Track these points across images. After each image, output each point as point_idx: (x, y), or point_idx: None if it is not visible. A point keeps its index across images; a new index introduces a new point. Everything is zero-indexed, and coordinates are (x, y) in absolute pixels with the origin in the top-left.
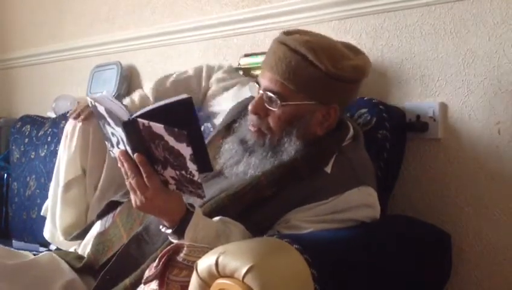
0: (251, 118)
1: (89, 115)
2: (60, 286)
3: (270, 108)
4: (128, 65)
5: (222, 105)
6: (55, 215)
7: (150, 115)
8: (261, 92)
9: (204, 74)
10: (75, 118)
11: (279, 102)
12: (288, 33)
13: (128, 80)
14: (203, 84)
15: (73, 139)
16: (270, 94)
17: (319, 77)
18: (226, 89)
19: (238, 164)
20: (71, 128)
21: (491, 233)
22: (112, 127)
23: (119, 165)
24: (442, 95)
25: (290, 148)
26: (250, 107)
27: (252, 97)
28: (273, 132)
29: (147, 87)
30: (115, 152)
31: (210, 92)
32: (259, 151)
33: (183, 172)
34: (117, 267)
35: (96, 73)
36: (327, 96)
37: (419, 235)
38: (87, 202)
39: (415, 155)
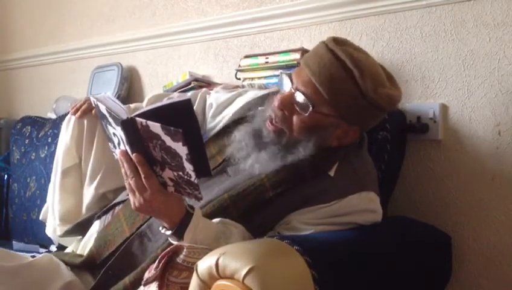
0: (275, 113)
1: (85, 112)
2: (58, 287)
3: (299, 110)
4: (129, 66)
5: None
6: (54, 205)
7: (149, 115)
8: (293, 90)
9: (199, 96)
10: (73, 114)
11: (311, 108)
12: (337, 42)
13: (129, 81)
14: (202, 106)
15: (69, 130)
16: (302, 97)
17: (355, 96)
18: (230, 102)
19: (247, 159)
20: (66, 121)
21: (491, 234)
22: (113, 127)
23: (120, 165)
24: (443, 97)
25: (303, 153)
26: (277, 102)
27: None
28: (292, 133)
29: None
30: (117, 153)
31: (213, 109)
32: (272, 148)
33: (181, 173)
34: (119, 263)
35: (97, 74)
36: (355, 117)
37: (420, 236)
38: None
39: (416, 156)
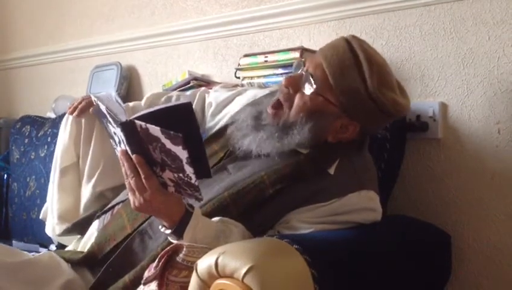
0: (281, 90)
1: (82, 111)
2: (59, 285)
3: (304, 89)
4: (128, 65)
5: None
6: (53, 204)
7: (149, 118)
8: (303, 72)
9: (197, 95)
10: (70, 113)
11: (314, 87)
12: (356, 37)
13: (128, 81)
14: (201, 104)
15: (67, 129)
16: (309, 78)
17: (359, 90)
18: (229, 101)
19: (244, 138)
20: (64, 120)
21: (490, 233)
22: (113, 127)
23: (120, 164)
24: (442, 95)
25: (298, 136)
26: (284, 80)
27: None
28: (291, 112)
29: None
30: (118, 151)
31: (212, 108)
32: (269, 129)
33: (181, 175)
34: (120, 260)
35: (96, 73)
36: (356, 111)
37: (419, 235)
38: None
39: (415, 155)
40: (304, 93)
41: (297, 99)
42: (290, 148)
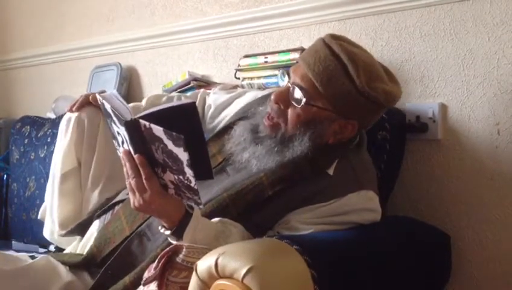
0: (271, 107)
1: (81, 105)
2: (57, 289)
3: (294, 103)
4: (128, 66)
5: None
6: (53, 210)
7: (152, 117)
8: (289, 84)
9: (198, 96)
10: (69, 111)
11: (304, 100)
12: (334, 37)
13: (128, 81)
14: (202, 105)
15: (68, 131)
16: (298, 90)
17: (350, 90)
18: (228, 103)
19: (243, 152)
20: (66, 121)
21: (490, 234)
22: (117, 126)
23: (122, 164)
24: (442, 96)
25: (299, 147)
26: (273, 96)
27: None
28: (287, 127)
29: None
30: (120, 151)
31: (211, 110)
32: (268, 142)
33: (181, 177)
34: (119, 262)
35: (96, 74)
36: (351, 111)
37: (419, 236)
38: (83, 194)
39: (415, 156)
40: (295, 106)
41: (290, 114)
42: (292, 157)
